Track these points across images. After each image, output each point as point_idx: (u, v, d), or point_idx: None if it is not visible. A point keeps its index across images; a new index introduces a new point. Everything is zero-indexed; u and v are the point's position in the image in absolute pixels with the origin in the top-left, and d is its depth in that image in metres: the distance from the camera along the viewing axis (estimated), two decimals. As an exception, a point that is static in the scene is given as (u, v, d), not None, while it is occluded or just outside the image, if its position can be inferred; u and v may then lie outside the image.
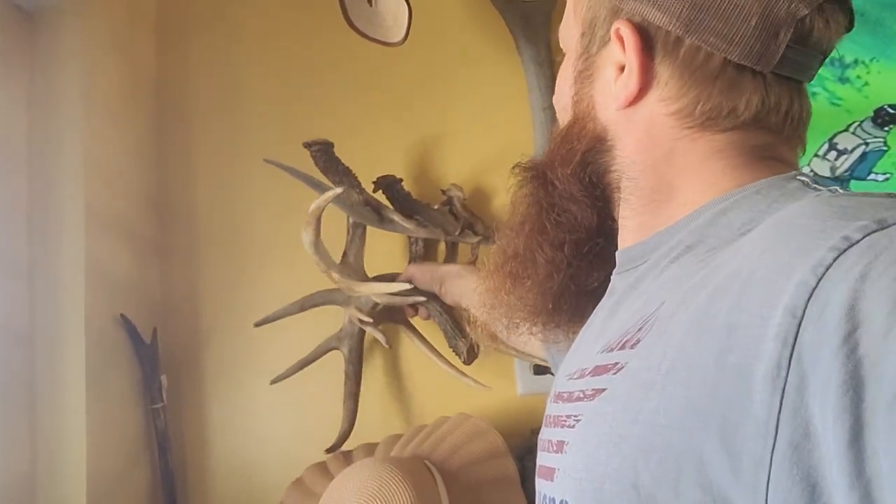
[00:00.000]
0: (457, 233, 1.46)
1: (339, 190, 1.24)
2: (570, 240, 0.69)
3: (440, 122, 1.55)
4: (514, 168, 0.74)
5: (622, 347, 0.53)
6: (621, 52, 0.61)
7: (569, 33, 0.68)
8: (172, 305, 1.62)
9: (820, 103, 1.36)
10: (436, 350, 1.41)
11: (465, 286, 1.26)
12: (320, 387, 1.49)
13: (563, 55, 0.74)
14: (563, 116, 0.68)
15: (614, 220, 0.69)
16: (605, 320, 0.64)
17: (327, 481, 1.29)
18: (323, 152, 1.33)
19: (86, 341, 1.43)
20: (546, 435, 0.61)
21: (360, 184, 1.39)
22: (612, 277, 0.69)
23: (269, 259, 1.59)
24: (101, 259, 1.50)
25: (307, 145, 1.31)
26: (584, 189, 0.66)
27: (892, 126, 1.37)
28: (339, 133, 1.55)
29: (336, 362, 1.44)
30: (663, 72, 0.59)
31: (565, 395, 0.60)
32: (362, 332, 1.42)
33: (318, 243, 1.26)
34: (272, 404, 1.54)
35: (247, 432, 1.55)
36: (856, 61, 1.37)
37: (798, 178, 0.56)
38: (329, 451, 1.39)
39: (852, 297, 0.38)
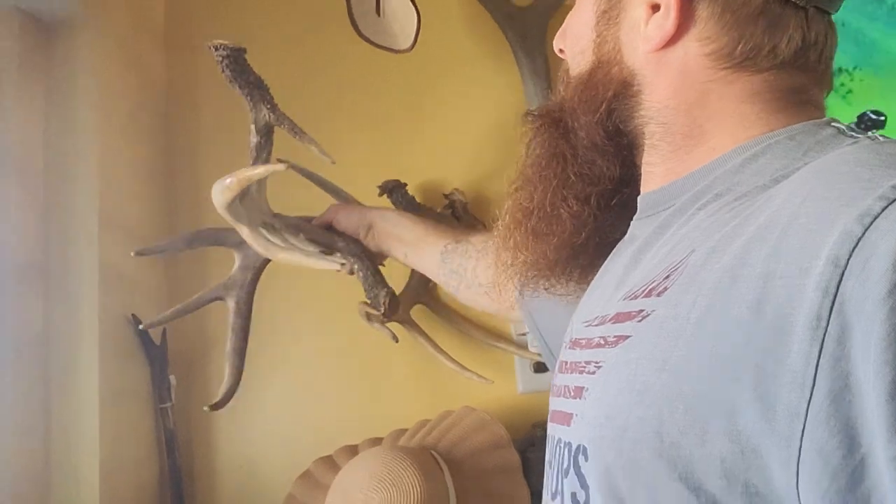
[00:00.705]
0: (460, 235, 1.51)
1: (280, 167, 1.15)
2: (597, 192, 0.66)
3: (444, 129, 1.61)
4: (525, 115, 0.70)
5: (648, 295, 0.52)
6: None
7: None
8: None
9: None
10: (437, 345, 1.46)
11: (396, 234, 1.18)
12: (326, 384, 1.54)
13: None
14: (580, 61, 0.64)
15: (637, 167, 0.65)
16: (627, 267, 0.61)
17: (334, 473, 1.33)
18: (232, 59, 1.17)
19: (99, 341, 1.47)
20: (561, 381, 0.60)
21: (272, 100, 1.27)
22: (632, 222, 0.66)
23: (275, 263, 1.63)
24: (113, 262, 1.55)
25: (213, 47, 1.15)
26: (609, 138, 0.63)
27: (874, 131, 1.44)
28: (346, 137, 1.61)
29: (342, 359, 1.48)
30: (702, 10, 0.57)
31: (583, 341, 0.58)
32: (253, 282, 1.30)
33: (233, 207, 1.16)
34: (278, 402, 1.58)
35: (253, 430, 1.59)
36: (839, 70, 1.44)
37: (832, 124, 0.54)
38: (213, 407, 1.27)
39: None
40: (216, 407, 1.28)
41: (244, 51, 1.15)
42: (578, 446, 0.53)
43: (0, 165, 1.48)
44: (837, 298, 0.38)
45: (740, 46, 0.56)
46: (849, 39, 1.39)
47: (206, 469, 1.59)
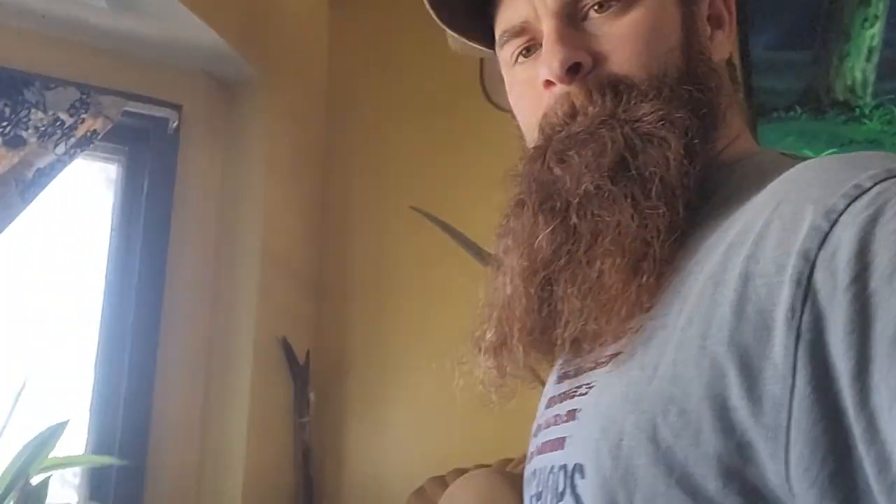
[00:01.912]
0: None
1: None
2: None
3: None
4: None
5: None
6: (720, 5, 0.63)
7: None
8: (325, 332, 1.88)
9: None
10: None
11: None
12: (446, 409, 1.69)
13: None
14: (667, 60, 0.59)
15: None
16: None
17: (441, 489, 1.47)
18: None
19: (253, 357, 1.71)
20: (550, 413, 0.59)
21: None
22: None
23: (410, 296, 1.82)
24: (270, 290, 1.79)
25: None
26: None
27: None
28: (474, 194, 1.78)
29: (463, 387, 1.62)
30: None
31: (572, 371, 0.59)
32: None
33: None
34: (402, 422, 1.75)
35: (380, 447, 1.76)
36: None
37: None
38: None
39: (862, 240, 0.40)
40: None
41: None
42: (574, 465, 0.52)
43: (183, 204, 1.77)
44: (810, 289, 0.41)
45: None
46: None
47: (334, 480, 1.78)
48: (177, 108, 1.76)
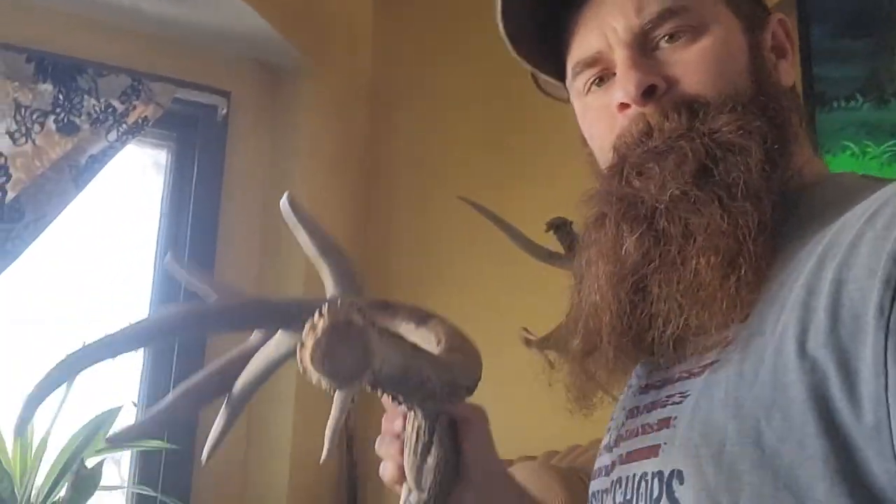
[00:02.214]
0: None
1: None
2: None
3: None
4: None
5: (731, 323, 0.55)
6: (782, 36, 0.66)
7: (705, 10, 0.63)
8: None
9: None
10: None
11: None
12: (494, 398, 1.68)
13: None
14: (737, 81, 0.61)
15: None
16: None
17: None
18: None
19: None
20: (633, 424, 0.61)
21: None
22: None
23: (455, 290, 1.81)
24: (316, 281, 1.78)
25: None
26: None
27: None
28: (523, 179, 1.76)
29: (513, 377, 1.61)
30: None
31: (657, 382, 0.60)
32: None
33: None
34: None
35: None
36: None
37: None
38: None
39: None
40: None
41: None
42: (672, 472, 0.53)
43: (231, 190, 1.78)
44: None
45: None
46: None
47: (376, 467, 1.78)
48: (225, 94, 1.77)
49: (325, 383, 0.43)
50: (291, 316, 0.54)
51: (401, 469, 0.65)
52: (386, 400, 0.63)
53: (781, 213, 0.57)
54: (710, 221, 0.55)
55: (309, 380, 0.43)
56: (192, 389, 0.59)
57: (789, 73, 0.65)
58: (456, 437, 0.65)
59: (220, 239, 1.72)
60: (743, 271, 0.54)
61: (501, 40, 0.70)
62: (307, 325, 0.42)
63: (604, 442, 0.67)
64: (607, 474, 0.63)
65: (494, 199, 1.65)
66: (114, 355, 0.51)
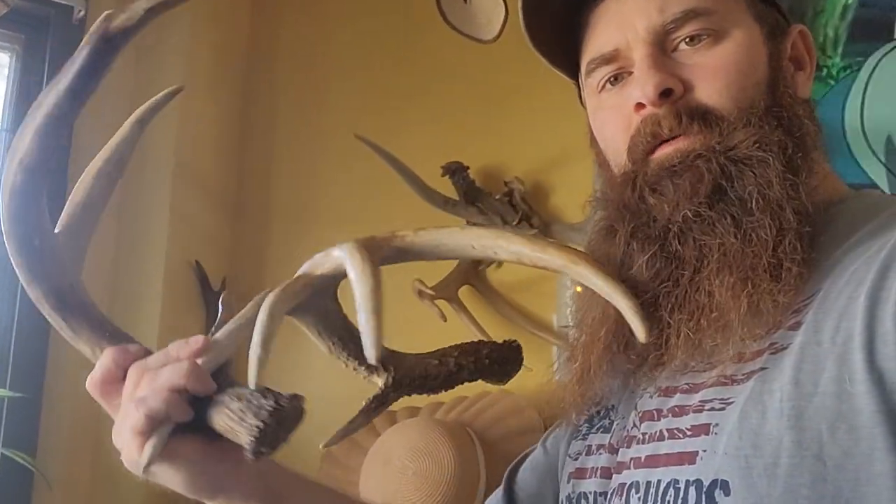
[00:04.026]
0: (514, 223, 1.56)
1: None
2: None
3: (512, 120, 1.65)
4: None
5: (776, 330, 0.54)
6: (802, 48, 0.65)
7: (728, 14, 0.62)
8: (242, 258, 1.75)
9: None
10: (481, 327, 1.52)
11: None
12: (389, 346, 1.61)
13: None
14: (755, 93, 0.60)
15: None
16: None
17: (372, 436, 1.40)
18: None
19: (163, 282, 1.56)
20: (652, 428, 0.59)
21: None
22: None
23: (337, 226, 1.70)
24: (182, 210, 1.62)
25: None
26: None
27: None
28: (420, 118, 1.66)
29: (390, 330, 1.54)
30: None
31: (684, 386, 0.58)
32: None
33: None
34: (325, 363, 1.66)
35: (300, 385, 1.67)
36: None
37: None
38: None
39: None
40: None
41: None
42: (714, 481, 0.52)
43: (88, 105, 1.56)
44: None
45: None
46: None
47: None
48: (83, -7, 1.53)
49: None
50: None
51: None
52: None
53: (815, 223, 0.56)
54: (723, 242, 0.55)
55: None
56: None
57: (806, 85, 0.64)
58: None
59: (72, 163, 1.51)
60: (762, 282, 0.53)
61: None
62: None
63: (592, 440, 0.66)
64: (607, 476, 0.61)
65: (394, 133, 1.55)
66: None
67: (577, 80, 0.69)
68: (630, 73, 0.62)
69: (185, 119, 1.63)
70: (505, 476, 0.80)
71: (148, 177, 1.61)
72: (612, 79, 0.63)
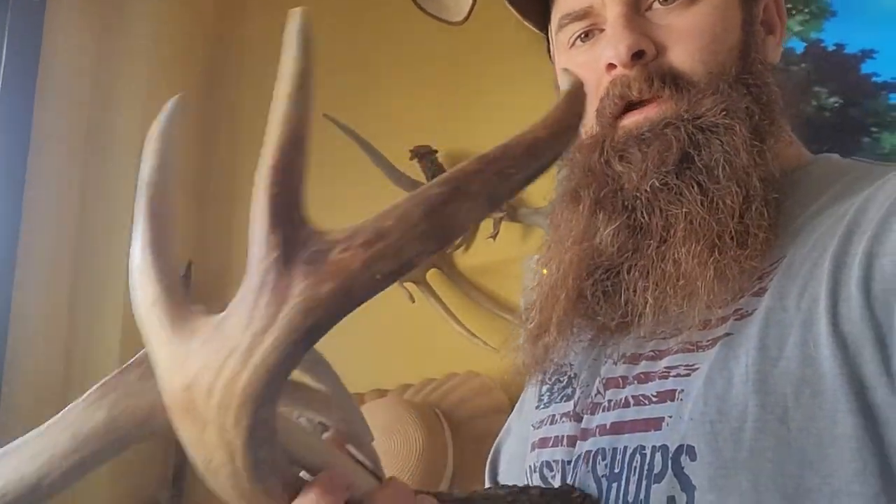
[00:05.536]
0: (482, 207, 1.57)
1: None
2: None
3: (482, 101, 1.65)
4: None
5: (741, 296, 0.54)
6: (773, 11, 0.64)
7: None
8: (208, 242, 1.73)
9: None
10: (448, 309, 1.53)
11: None
12: (341, 332, 1.61)
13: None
14: (726, 58, 0.60)
15: None
16: None
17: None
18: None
19: (126, 266, 1.54)
20: (617, 395, 0.58)
21: None
22: None
23: (311, 213, 1.70)
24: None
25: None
26: None
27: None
28: (389, 100, 1.66)
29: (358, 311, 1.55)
30: None
31: (649, 353, 0.58)
32: None
33: None
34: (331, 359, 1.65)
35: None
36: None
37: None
38: None
39: None
40: None
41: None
42: (680, 447, 0.51)
43: (49, 82, 1.53)
44: None
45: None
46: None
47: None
48: (43, -34, 1.50)
49: None
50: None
51: None
52: None
53: (781, 188, 0.57)
54: (689, 210, 0.55)
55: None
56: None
57: (776, 50, 0.64)
58: None
59: (33, 140, 1.49)
60: (729, 249, 0.53)
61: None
62: None
63: (555, 409, 0.65)
64: (570, 444, 0.61)
65: (364, 114, 1.55)
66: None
67: (547, 34, 0.69)
68: (601, 31, 0.61)
69: (150, 95, 1.61)
70: (487, 470, 0.78)
71: (110, 157, 1.58)
72: (582, 35, 0.63)
